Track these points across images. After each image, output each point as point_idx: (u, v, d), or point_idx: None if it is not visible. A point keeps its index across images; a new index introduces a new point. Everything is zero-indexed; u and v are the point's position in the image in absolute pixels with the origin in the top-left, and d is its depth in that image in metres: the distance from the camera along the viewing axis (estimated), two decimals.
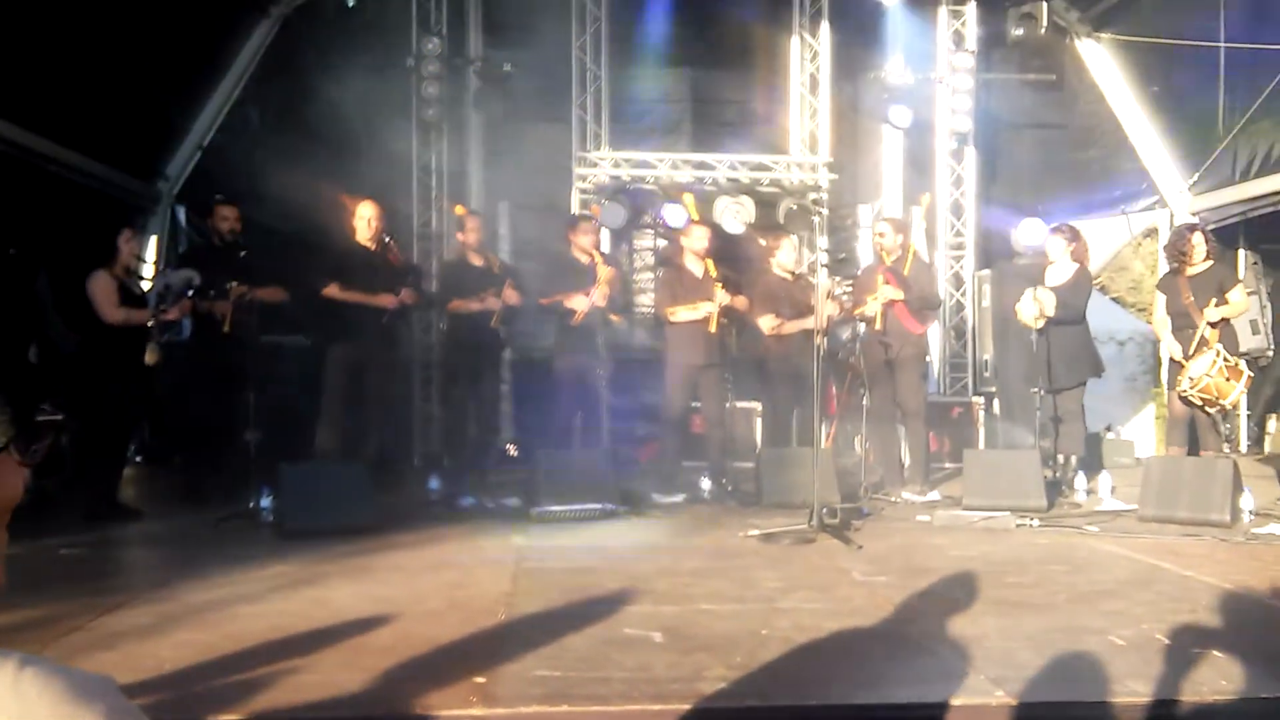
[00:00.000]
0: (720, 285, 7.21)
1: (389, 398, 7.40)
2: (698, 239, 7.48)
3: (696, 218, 8.00)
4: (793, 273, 7.70)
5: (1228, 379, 6.70)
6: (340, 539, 5.38)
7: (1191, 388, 6.76)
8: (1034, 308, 7.35)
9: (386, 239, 7.02)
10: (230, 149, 9.44)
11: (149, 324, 6.28)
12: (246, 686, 2.97)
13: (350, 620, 3.78)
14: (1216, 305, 6.87)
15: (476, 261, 7.46)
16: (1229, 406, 6.91)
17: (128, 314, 6.24)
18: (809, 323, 6.43)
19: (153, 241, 9.08)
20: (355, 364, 6.88)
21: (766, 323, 7.51)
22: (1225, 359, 6.75)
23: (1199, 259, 7.09)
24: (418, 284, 7.21)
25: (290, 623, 3.75)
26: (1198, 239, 7.14)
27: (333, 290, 6.80)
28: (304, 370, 6.97)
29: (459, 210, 8.20)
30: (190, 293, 6.55)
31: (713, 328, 7.22)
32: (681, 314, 7.28)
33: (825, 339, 7.43)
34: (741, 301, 7.39)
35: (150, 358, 6.27)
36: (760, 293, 7.62)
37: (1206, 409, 6.86)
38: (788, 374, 7.41)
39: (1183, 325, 7.09)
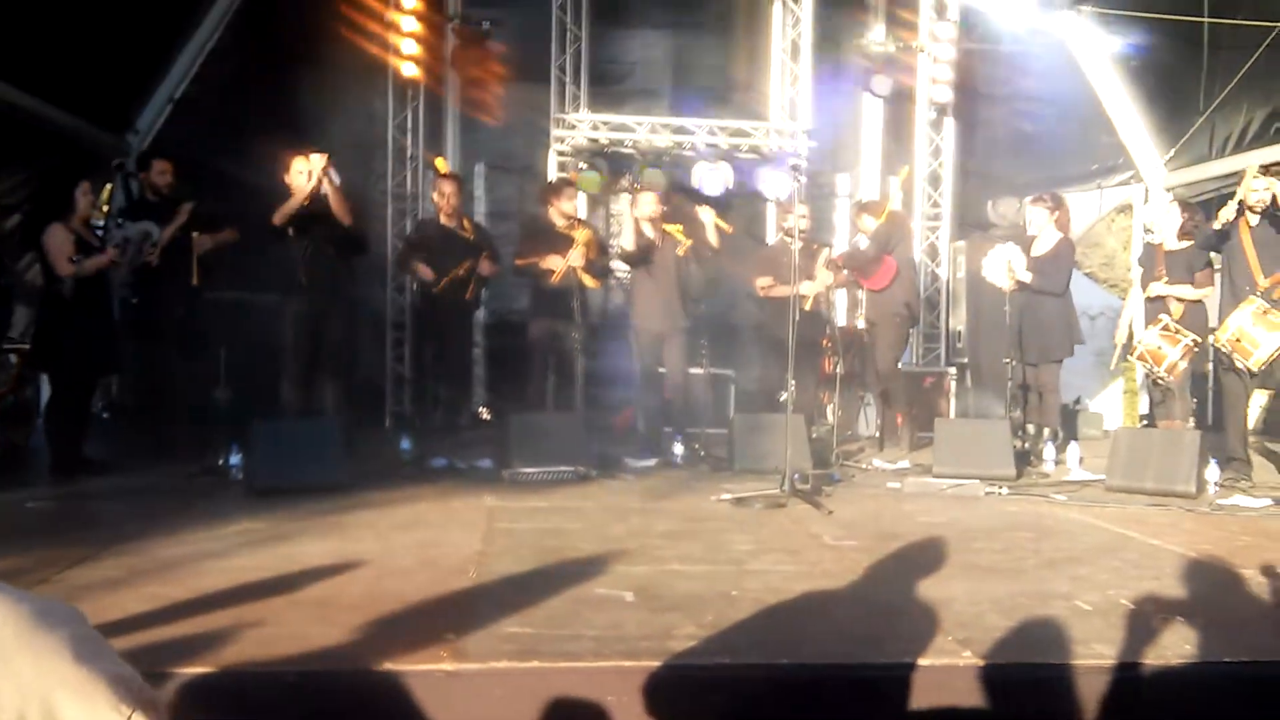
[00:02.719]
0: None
1: (346, 350, 7.26)
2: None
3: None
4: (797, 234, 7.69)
5: (1161, 347, 6.79)
6: (311, 497, 5.36)
7: (1132, 354, 6.98)
8: (1003, 266, 7.32)
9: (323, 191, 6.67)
10: (202, 102, 9.27)
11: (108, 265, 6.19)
12: (214, 639, 2.95)
13: (320, 577, 3.76)
14: (1168, 283, 6.99)
15: (449, 224, 7.35)
16: (1164, 373, 6.86)
17: (78, 266, 6.09)
18: (803, 288, 6.40)
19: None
20: (311, 317, 6.72)
21: (762, 283, 7.52)
22: (1165, 327, 6.82)
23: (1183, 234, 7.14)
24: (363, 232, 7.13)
25: (259, 578, 3.73)
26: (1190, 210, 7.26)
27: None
28: (273, 327, 6.88)
29: (441, 165, 8.03)
30: (151, 243, 6.49)
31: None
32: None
33: (824, 306, 7.49)
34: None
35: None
36: (762, 256, 7.61)
37: (1156, 379, 7.01)
38: (779, 342, 7.38)
39: (1155, 300, 7.15)
